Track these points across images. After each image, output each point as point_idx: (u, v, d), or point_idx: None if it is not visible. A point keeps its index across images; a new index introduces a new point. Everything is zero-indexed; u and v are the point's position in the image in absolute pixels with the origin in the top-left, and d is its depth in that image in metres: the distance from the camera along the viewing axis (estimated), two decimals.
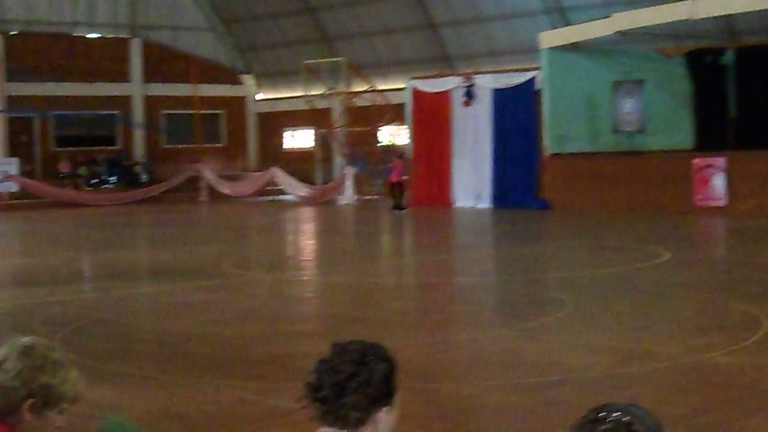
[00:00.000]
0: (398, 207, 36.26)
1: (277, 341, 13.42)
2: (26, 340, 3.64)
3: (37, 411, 3.55)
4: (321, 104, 45.32)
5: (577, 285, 18.11)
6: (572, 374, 11.09)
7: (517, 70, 37.51)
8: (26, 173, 44.04)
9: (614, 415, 2.86)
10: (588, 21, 35.14)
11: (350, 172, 42.88)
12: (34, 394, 3.52)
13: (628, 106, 35.58)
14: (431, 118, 38.61)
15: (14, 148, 45.94)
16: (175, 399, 10.49)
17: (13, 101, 46.44)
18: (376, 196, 43.29)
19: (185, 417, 10.01)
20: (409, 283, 20.37)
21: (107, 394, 10.29)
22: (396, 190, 36.72)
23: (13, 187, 42.42)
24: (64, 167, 46.39)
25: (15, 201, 42.31)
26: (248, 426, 9.70)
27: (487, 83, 37.48)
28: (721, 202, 31.75)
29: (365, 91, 44.63)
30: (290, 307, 16.92)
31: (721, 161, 32.05)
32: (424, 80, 39.82)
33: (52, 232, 33.01)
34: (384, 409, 3.44)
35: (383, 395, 3.44)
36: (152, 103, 50.30)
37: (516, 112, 36.46)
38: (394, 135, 45.72)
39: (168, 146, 50.81)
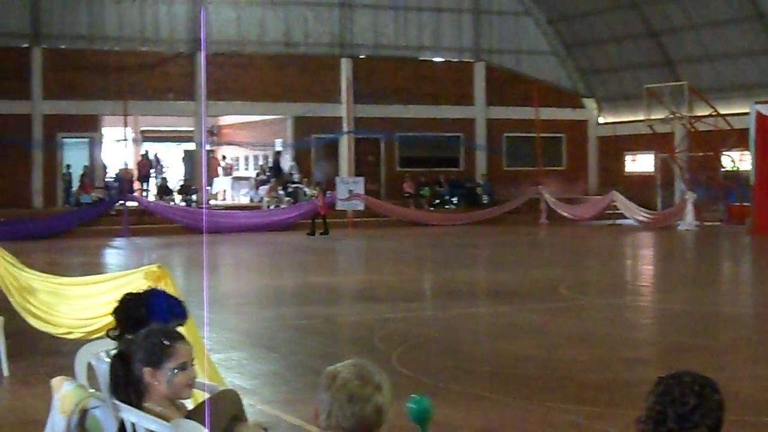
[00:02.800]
0: None
1: (610, 366, 13.42)
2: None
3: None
4: (662, 128, 44.71)
5: None
6: None
7: None
8: (371, 192, 45.53)
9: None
10: None
11: (691, 197, 42.08)
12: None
13: None
14: None
15: (361, 168, 47.64)
16: (506, 419, 10.70)
17: (360, 123, 48.19)
18: (717, 223, 42.31)
19: None
20: (749, 312, 19.83)
21: (440, 411, 10.62)
22: None
23: (359, 205, 43.92)
24: (407, 187, 47.71)
25: (360, 219, 43.83)
26: None
27: None
28: None
29: (708, 116, 43.71)
30: (625, 333, 16.80)
31: None
32: None
33: (394, 250, 33.97)
34: None
35: (718, 427, 3.48)
36: (494, 126, 50.97)
37: None
38: (737, 161, 44.52)
39: (509, 168, 51.33)
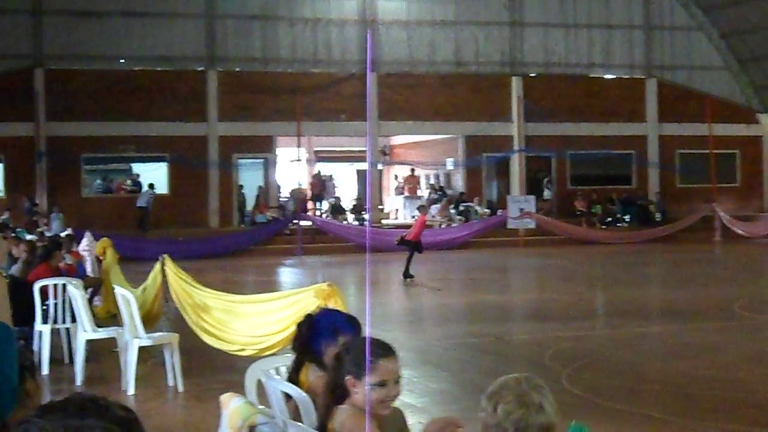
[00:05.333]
0: None
1: None
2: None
3: None
4: None
5: None
6: None
7: None
8: (542, 210, 45.43)
9: None
10: None
11: None
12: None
13: None
14: None
15: (532, 186, 47.55)
16: None
17: (531, 141, 48.12)
18: None
19: None
20: None
21: (609, 431, 10.60)
22: None
23: (531, 224, 43.83)
24: (579, 205, 47.41)
25: (531, 237, 43.73)
26: None
27: None
28: None
29: None
30: None
31: None
32: None
33: (566, 269, 33.81)
34: None
35: None
36: (667, 143, 50.30)
37: None
38: None
39: (682, 186, 50.58)
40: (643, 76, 50.34)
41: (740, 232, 45.43)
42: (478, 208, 45.93)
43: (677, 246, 42.07)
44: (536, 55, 48.83)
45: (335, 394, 5.36)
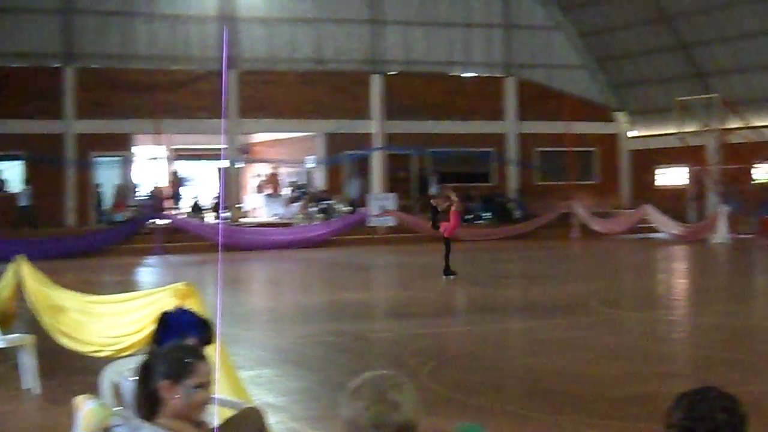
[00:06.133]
0: None
1: (641, 381, 13.34)
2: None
3: None
4: (694, 141, 44.54)
5: None
6: None
7: None
8: (403, 208, 45.51)
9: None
10: None
11: (724, 210, 41.89)
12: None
13: None
14: None
15: (392, 184, 47.69)
16: None
17: (392, 139, 48.27)
18: (750, 236, 42.08)
19: None
20: None
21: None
22: None
23: (390, 221, 43.95)
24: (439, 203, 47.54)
25: (391, 235, 43.82)
26: None
27: None
28: None
29: (740, 128, 43.51)
30: (657, 347, 16.71)
31: None
32: None
33: (425, 266, 33.82)
34: None
35: None
36: (526, 141, 50.93)
37: None
38: None
39: (541, 183, 51.25)
40: (502, 75, 50.88)
41: (598, 228, 46.17)
42: (338, 206, 45.87)
43: (536, 243, 42.57)
44: (397, 53, 49.01)
45: (146, 408, 5.14)
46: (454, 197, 28.01)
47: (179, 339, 6.14)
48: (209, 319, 6.76)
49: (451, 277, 27.72)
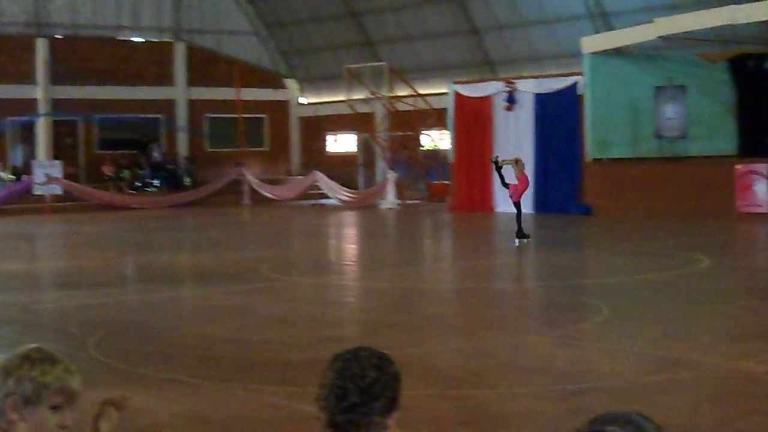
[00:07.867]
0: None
1: (310, 346, 13.41)
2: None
3: (20, 408, 3.51)
4: (363, 109, 45.31)
5: (615, 291, 18.06)
6: (604, 382, 11.03)
7: (559, 75, 37.39)
8: (70, 176, 44.26)
9: (611, 427, 2.84)
10: (630, 26, 34.98)
11: (392, 176, 42.85)
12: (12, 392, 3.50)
13: (670, 111, 35.39)
14: (473, 123, 38.52)
15: (58, 151, 46.29)
16: (204, 402, 10.54)
17: (57, 104, 46.83)
18: (418, 201, 43.26)
19: (212, 420, 10.07)
20: (447, 288, 20.35)
21: (136, 397, 10.32)
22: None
23: (57, 189, 42.65)
24: (107, 170, 46.61)
25: (59, 204, 42.53)
26: (273, 429, 9.73)
27: (529, 88, 37.38)
28: (764, 209, 31.46)
29: (407, 96, 44.58)
30: (327, 312, 16.92)
31: (763, 167, 31.81)
32: (466, 85, 39.79)
33: (94, 235, 33.20)
34: (394, 414, 3.44)
35: (397, 398, 3.47)
36: (195, 107, 50.48)
37: (558, 117, 36.29)
38: (436, 140, 45.63)
39: (211, 150, 50.96)
40: (171, 40, 50.21)
41: (268, 195, 46.34)
42: (2, 174, 44.16)
43: (207, 210, 42.36)
44: (63, 16, 47.52)
45: None
46: (519, 162, 27.15)
47: None
48: None
49: (525, 240, 26.22)
